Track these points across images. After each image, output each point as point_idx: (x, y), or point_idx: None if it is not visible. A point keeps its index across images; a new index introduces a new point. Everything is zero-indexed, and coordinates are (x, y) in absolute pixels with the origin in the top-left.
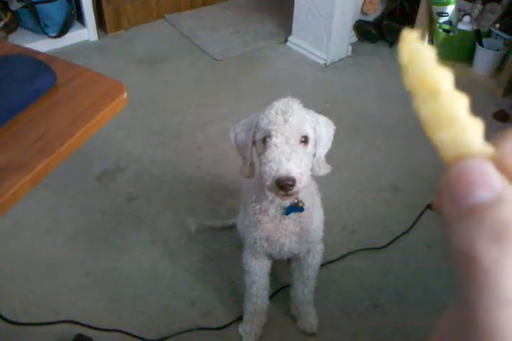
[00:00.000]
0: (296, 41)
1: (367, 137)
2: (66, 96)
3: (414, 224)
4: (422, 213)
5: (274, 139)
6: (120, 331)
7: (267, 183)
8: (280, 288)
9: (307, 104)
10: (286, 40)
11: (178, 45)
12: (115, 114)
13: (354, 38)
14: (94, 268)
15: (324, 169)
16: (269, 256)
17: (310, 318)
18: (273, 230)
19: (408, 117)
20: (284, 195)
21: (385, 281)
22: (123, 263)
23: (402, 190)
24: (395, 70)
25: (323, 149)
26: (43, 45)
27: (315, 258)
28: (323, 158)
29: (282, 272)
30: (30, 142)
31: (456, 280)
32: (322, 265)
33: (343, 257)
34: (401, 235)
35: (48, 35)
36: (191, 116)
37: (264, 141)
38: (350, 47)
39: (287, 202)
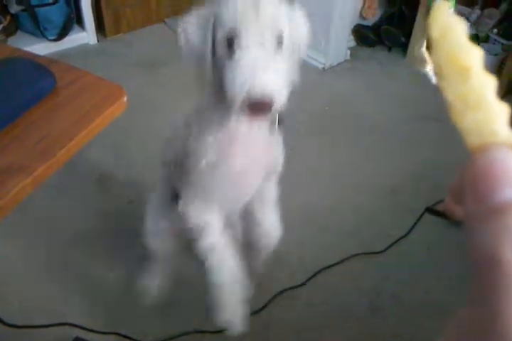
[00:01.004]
0: None
1: (365, 140)
2: (66, 100)
3: (412, 227)
4: (421, 216)
5: (243, 40)
6: (118, 334)
7: (237, 99)
8: (272, 296)
9: (305, 108)
10: None
11: (177, 48)
12: (115, 117)
13: (352, 42)
14: (93, 270)
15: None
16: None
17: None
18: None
19: (406, 121)
20: (259, 118)
21: (383, 285)
22: (122, 265)
23: (400, 192)
24: (393, 75)
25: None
26: (42, 48)
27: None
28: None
29: (274, 279)
30: (31, 144)
31: (472, 281)
32: (321, 270)
33: (341, 261)
34: (400, 239)
35: (47, 38)
36: None
37: (230, 43)
38: (348, 52)
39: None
